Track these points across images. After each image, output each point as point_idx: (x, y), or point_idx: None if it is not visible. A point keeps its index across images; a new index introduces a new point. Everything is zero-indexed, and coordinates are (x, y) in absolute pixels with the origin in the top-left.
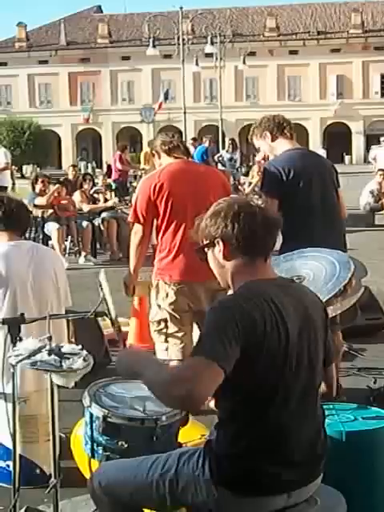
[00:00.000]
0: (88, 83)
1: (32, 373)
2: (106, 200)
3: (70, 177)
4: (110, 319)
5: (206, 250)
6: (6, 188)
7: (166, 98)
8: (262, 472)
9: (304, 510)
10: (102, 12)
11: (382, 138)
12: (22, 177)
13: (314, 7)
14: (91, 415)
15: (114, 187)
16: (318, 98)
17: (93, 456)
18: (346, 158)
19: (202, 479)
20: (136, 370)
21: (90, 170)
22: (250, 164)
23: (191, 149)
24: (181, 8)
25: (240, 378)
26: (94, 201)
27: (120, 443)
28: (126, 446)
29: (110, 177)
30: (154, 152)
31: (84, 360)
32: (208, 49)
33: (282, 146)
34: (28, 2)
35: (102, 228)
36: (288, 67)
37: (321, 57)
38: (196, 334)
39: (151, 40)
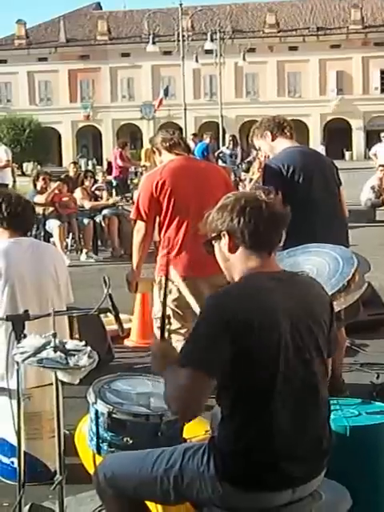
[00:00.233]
0: (88, 80)
1: (33, 369)
2: (108, 198)
3: (71, 174)
4: (115, 316)
5: (212, 242)
6: (6, 185)
7: (165, 94)
8: (266, 468)
9: (309, 504)
10: (101, 9)
11: (382, 134)
12: (23, 174)
13: (313, 3)
14: (96, 411)
15: (114, 184)
16: (318, 94)
17: (98, 452)
18: (347, 154)
19: (207, 475)
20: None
21: (90, 167)
22: (250, 159)
23: (191, 145)
24: (180, 4)
25: (234, 374)
26: (96, 198)
27: (125, 439)
28: (131, 441)
29: (110, 174)
30: (154, 149)
31: (89, 356)
32: (208, 45)
33: (282, 144)
34: None
35: (104, 225)
36: (288, 63)
37: (321, 53)
38: None
39: (151, 37)
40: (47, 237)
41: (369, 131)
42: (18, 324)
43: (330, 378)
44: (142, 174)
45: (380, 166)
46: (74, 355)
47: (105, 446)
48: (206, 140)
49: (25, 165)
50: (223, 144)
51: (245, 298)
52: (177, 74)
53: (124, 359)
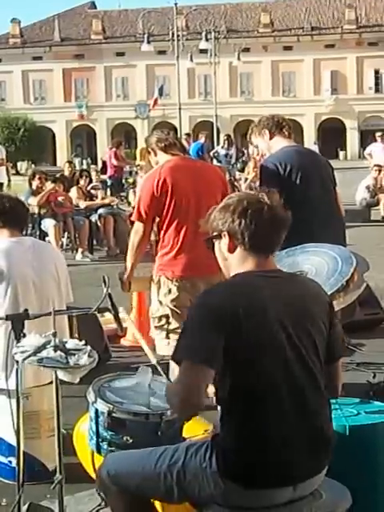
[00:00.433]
0: (82, 79)
1: (31, 368)
2: (103, 198)
3: (66, 173)
4: (114, 315)
5: (213, 241)
6: (1, 184)
7: (160, 94)
8: (267, 465)
9: (309, 503)
10: (95, 8)
11: (377, 134)
12: (17, 173)
13: (308, 3)
14: (96, 410)
15: (109, 184)
16: (313, 94)
17: (98, 451)
18: (341, 153)
19: (209, 472)
20: None
21: (85, 167)
22: (244, 159)
23: (184, 144)
24: (175, 4)
25: (228, 372)
26: (91, 197)
27: (125, 438)
28: (130, 441)
29: (104, 173)
30: (149, 150)
31: (89, 356)
32: (202, 45)
33: (280, 144)
34: None
35: (99, 224)
36: (282, 63)
37: (315, 52)
38: None
39: (146, 36)
40: (43, 236)
41: (363, 131)
42: (17, 323)
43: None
44: (137, 173)
45: (375, 165)
46: (75, 354)
47: (105, 445)
48: (201, 139)
49: (19, 164)
50: (218, 143)
51: (233, 294)
52: (171, 74)
53: (121, 358)
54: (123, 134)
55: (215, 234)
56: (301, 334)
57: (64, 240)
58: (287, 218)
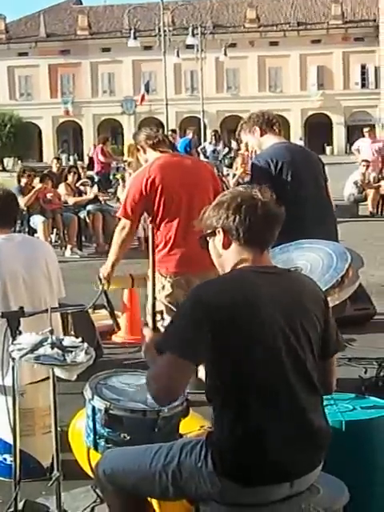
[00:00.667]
0: (68, 75)
1: (26, 365)
2: (96, 195)
3: (54, 169)
4: (110, 312)
5: (208, 238)
6: None
7: (147, 90)
8: (262, 462)
9: (307, 498)
10: (81, 4)
11: (365, 129)
12: (4, 170)
13: None
14: (93, 408)
15: (96, 180)
16: (299, 89)
17: (95, 448)
18: (327, 148)
19: (205, 471)
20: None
21: (71, 163)
22: (231, 154)
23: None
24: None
25: (219, 368)
26: (80, 193)
27: (122, 435)
28: (128, 437)
29: (91, 169)
30: (138, 147)
31: (86, 353)
32: (189, 40)
33: (270, 140)
34: None
35: (88, 221)
36: (269, 58)
37: (301, 48)
38: None
39: (132, 32)
40: (31, 233)
41: (349, 126)
42: (13, 321)
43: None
44: (124, 169)
45: (363, 160)
46: (71, 352)
47: (102, 442)
48: (189, 135)
49: (5, 160)
50: (205, 139)
51: (227, 289)
52: (158, 69)
53: (113, 355)
54: (110, 130)
55: (209, 231)
56: (295, 330)
57: (53, 236)
58: (281, 214)
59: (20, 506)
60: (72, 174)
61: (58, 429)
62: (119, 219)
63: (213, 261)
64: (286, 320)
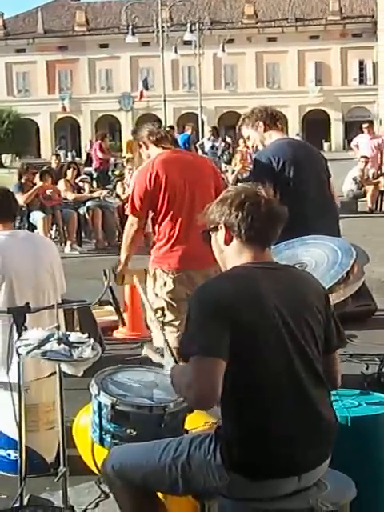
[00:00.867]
0: (66, 71)
1: (31, 361)
2: (91, 191)
3: (53, 165)
4: (116, 308)
5: (210, 234)
6: None
7: (145, 86)
8: (270, 456)
9: (315, 494)
10: (79, 0)
11: (364, 125)
12: (2, 166)
13: None
14: (99, 403)
15: (94, 176)
16: (297, 85)
17: (101, 444)
18: (325, 145)
19: (214, 464)
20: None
21: (69, 159)
22: (230, 150)
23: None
24: None
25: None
26: (79, 190)
27: (128, 431)
28: (134, 433)
29: (88, 166)
30: (140, 143)
31: (93, 349)
32: (187, 36)
33: (273, 136)
34: None
35: (87, 217)
36: (266, 54)
37: (299, 44)
38: None
39: (130, 28)
40: (31, 229)
41: (347, 122)
42: (18, 317)
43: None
44: (122, 165)
45: (361, 157)
46: (78, 347)
47: (108, 438)
48: (188, 131)
49: (3, 157)
50: (203, 136)
51: (230, 285)
52: (155, 65)
53: (115, 351)
54: (107, 127)
55: (212, 226)
56: (299, 325)
57: (52, 233)
58: (284, 213)
59: (25, 501)
60: (71, 169)
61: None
62: (121, 215)
63: (214, 257)
64: (290, 315)
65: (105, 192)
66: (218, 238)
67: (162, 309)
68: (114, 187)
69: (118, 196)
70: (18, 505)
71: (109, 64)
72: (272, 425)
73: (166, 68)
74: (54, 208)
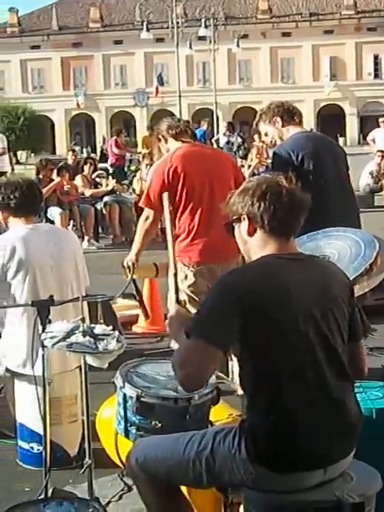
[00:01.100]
0: (81, 68)
1: (56, 355)
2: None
3: (70, 161)
4: (139, 301)
5: (233, 225)
6: (5, 173)
7: (160, 82)
8: (296, 448)
9: (340, 485)
10: None
11: (381, 119)
12: (18, 162)
13: None
14: (124, 395)
15: (110, 172)
16: (312, 80)
17: (126, 436)
18: (340, 139)
19: (239, 458)
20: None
21: (85, 155)
22: (245, 145)
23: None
24: None
25: (251, 354)
26: (96, 185)
27: (153, 423)
28: (159, 425)
29: (103, 162)
30: (159, 137)
31: (118, 341)
32: (202, 32)
33: (291, 131)
34: None
35: (104, 212)
36: (281, 49)
37: (314, 38)
38: None
39: (145, 24)
40: None
41: (362, 117)
42: (43, 310)
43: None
44: (138, 161)
45: (378, 151)
46: (103, 340)
47: (133, 430)
48: (204, 127)
49: (19, 153)
50: (217, 131)
51: (257, 275)
52: (170, 61)
53: (134, 345)
54: (122, 123)
55: (235, 217)
56: (325, 316)
57: (70, 228)
58: (307, 201)
59: (49, 494)
60: (88, 165)
61: (83, 417)
62: (137, 209)
63: (235, 250)
64: (315, 306)
65: (119, 186)
66: (242, 229)
67: (184, 302)
68: (131, 182)
69: (134, 191)
70: (42, 497)
71: (123, 60)
72: (298, 418)
73: (180, 64)
74: (71, 203)
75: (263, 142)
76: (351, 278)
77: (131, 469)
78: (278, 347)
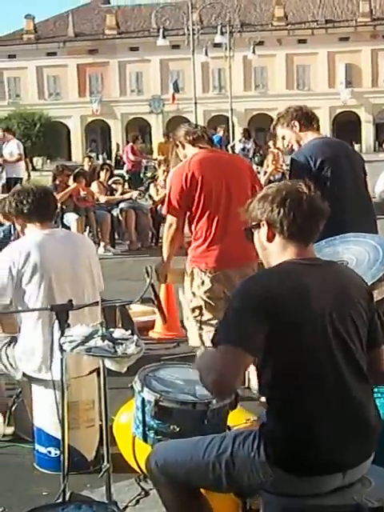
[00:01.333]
0: (96, 75)
1: (72, 359)
2: (123, 192)
3: (86, 168)
4: (157, 305)
5: (252, 231)
6: (21, 180)
7: (176, 89)
8: (315, 452)
9: (359, 490)
10: (109, 3)
11: None
12: (34, 169)
13: None
14: (143, 400)
15: (126, 178)
16: (327, 87)
17: (144, 440)
18: (356, 146)
19: (258, 461)
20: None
21: (100, 162)
22: (261, 152)
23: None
24: None
25: (270, 360)
26: (112, 191)
27: (172, 427)
28: (177, 429)
29: (119, 168)
30: (177, 143)
31: (136, 345)
32: (218, 39)
33: (309, 136)
34: None
35: (121, 218)
36: (297, 56)
37: (329, 45)
38: None
39: (161, 30)
40: None
41: (378, 124)
42: (61, 314)
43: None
44: (154, 167)
45: None
46: (122, 344)
47: (151, 434)
48: (220, 133)
49: (35, 159)
50: (233, 138)
51: (277, 280)
52: (185, 68)
53: (151, 351)
54: (138, 129)
55: (254, 223)
56: (344, 321)
57: (86, 234)
58: (325, 208)
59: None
60: (104, 171)
61: (100, 422)
62: (153, 216)
63: (251, 256)
64: (334, 311)
65: (136, 193)
66: (261, 235)
67: (200, 308)
68: (147, 189)
69: (150, 197)
70: (60, 501)
71: (139, 67)
72: (317, 422)
73: (196, 70)
74: (87, 210)
75: (278, 148)
76: (369, 284)
77: (151, 472)
78: (297, 351)
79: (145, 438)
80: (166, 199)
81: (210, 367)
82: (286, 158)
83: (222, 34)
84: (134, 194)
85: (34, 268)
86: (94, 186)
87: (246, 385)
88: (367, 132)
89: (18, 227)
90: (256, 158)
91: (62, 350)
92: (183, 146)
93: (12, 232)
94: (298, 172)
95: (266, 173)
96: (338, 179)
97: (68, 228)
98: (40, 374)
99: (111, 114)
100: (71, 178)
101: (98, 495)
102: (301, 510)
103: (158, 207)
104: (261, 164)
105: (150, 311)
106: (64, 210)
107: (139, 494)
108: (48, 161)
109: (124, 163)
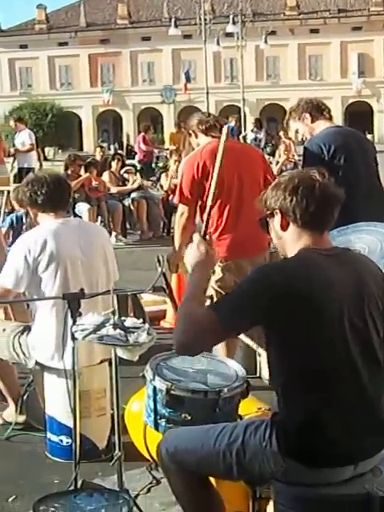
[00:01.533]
0: (108, 64)
1: (83, 348)
2: (133, 182)
3: (98, 157)
4: (169, 294)
5: (267, 220)
6: (33, 169)
7: (188, 79)
8: (328, 444)
9: (370, 480)
10: None
11: None
12: (45, 159)
13: None
14: (154, 388)
15: (138, 168)
16: (340, 77)
17: (156, 428)
18: (368, 136)
19: (270, 451)
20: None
21: (112, 152)
22: (273, 142)
23: None
24: None
25: (285, 352)
26: (124, 181)
27: (183, 415)
28: (189, 417)
29: (130, 158)
30: (190, 132)
31: (148, 333)
32: (230, 28)
33: (321, 126)
34: None
35: (132, 208)
36: (309, 46)
37: (342, 35)
38: None
39: (173, 20)
40: None
41: None
42: (73, 303)
43: None
44: (165, 157)
45: None
46: (134, 332)
47: (163, 423)
48: (232, 123)
49: (47, 149)
50: (244, 128)
51: (295, 269)
52: (197, 58)
53: (162, 340)
54: (149, 119)
55: (268, 212)
56: (361, 311)
57: (98, 224)
58: (340, 195)
59: (78, 485)
60: (116, 161)
61: (111, 411)
62: (165, 206)
63: (263, 246)
64: (351, 301)
65: (147, 182)
66: (275, 223)
67: (211, 297)
68: (159, 179)
69: (162, 187)
70: (72, 489)
71: (151, 57)
72: (331, 413)
73: (208, 60)
74: (99, 199)
75: (290, 138)
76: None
77: (161, 459)
78: (312, 341)
79: (156, 426)
80: (178, 188)
81: (188, 326)
82: (298, 148)
83: (234, 23)
84: (145, 182)
85: (50, 257)
86: (106, 176)
87: (258, 374)
88: (380, 122)
89: (32, 215)
90: (268, 148)
91: (73, 338)
92: (196, 135)
93: (24, 219)
94: (311, 160)
95: (278, 163)
96: (351, 167)
97: (80, 218)
98: (52, 361)
99: (123, 104)
100: (83, 167)
101: (109, 483)
102: (312, 499)
103: (170, 197)
104: (272, 154)
105: (162, 301)
106: (76, 199)
107: (150, 483)
108: (59, 151)
109: (135, 153)
